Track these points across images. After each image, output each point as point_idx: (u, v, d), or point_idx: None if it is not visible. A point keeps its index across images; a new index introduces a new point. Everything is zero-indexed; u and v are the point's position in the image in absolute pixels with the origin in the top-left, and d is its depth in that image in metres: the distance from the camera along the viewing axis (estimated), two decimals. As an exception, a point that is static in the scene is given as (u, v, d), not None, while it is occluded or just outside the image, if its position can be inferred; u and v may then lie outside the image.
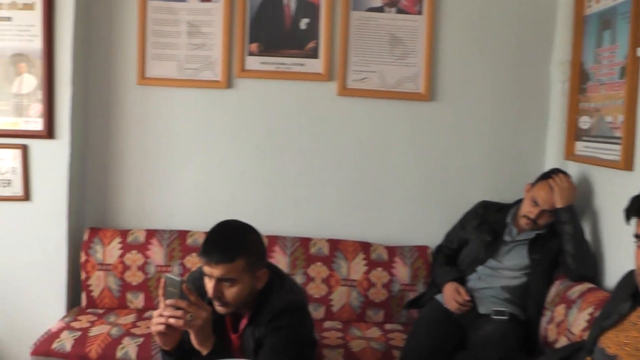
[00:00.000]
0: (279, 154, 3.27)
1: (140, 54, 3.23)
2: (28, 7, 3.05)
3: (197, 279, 2.09)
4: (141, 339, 2.79)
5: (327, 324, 3.04)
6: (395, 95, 3.22)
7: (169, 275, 1.93)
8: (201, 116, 3.28)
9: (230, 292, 1.98)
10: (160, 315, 1.90)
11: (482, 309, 2.76)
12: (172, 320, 1.88)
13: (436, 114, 3.25)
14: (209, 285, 1.99)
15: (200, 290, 2.04)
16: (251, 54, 3.21)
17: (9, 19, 3.06)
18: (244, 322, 2.09)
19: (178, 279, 1.90)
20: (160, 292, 1.93)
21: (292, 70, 3.21)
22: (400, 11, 3.19)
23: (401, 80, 3.21)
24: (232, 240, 1.99)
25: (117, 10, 3.25)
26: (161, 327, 1.90)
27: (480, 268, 2.85)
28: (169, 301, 1.90)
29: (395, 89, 3.21)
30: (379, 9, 3.19)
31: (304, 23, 3.20)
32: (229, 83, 3.23)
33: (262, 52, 3.21)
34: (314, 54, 3.20)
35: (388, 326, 3.06)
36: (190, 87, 3.25)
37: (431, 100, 3.23)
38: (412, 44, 3.19)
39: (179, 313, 1.88)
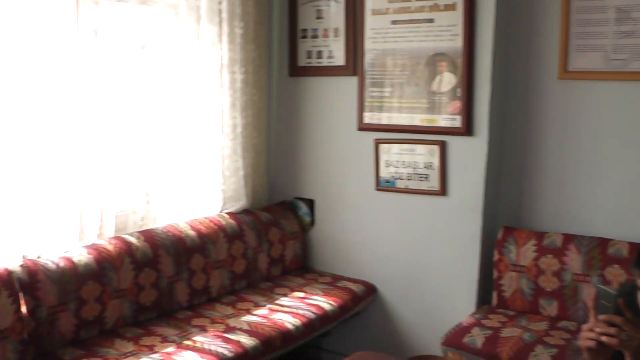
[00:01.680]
0: None
1: (563, 46, 3.02)
2: (449, 7, 3.13)
3: (629, 293, 1.83)
4: (555, 350, 2.64)
5: None
6: None
7: (602, 287, 1.77)
8: (630, 112, 2.92)
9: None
10: (591, 330, 1.74)
11: None
12: (604, 338, 1.70)
13: None
14: None
15: (632, 306, 1.79)
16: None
17: (430, 20, 3.19)
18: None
19: (613, 292, 1.73)
20: (591, 304, 1.78)
21: None
22: None
23: None
24: None
25: (538, 2, 3.10)
26: (591, 343, 1.74)
27: None
28: (602, 316, 1.72)
29: None
30: None
31: None
32: (656, 74, 2.80)
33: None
34: None
35: None
36: (617, 80, 2.91)
37: None
38: None
39: (612, 330, 1.69)
